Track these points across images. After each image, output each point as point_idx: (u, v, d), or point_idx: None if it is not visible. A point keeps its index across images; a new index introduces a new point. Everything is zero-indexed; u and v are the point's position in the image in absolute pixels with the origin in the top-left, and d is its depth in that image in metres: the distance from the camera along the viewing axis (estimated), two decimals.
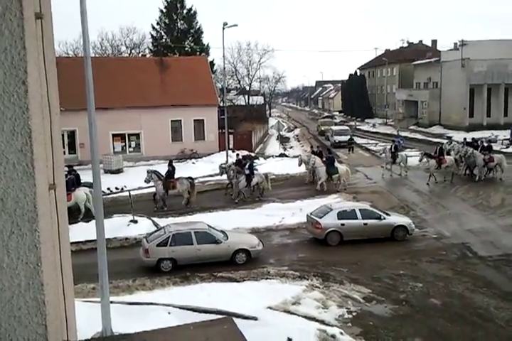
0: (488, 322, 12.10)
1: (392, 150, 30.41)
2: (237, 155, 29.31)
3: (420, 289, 13.95)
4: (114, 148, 36.61)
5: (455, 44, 61.05)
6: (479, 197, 24.89)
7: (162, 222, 20.04)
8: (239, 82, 68.85)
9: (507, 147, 40.14)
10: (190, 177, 24.34)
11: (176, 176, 24.32)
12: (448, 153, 28.98)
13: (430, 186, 27.43)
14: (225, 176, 26.17)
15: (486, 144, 29.59)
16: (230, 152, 35.66)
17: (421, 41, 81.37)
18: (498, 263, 15.93)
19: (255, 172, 25.84)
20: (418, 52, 71.34)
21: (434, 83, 61.92)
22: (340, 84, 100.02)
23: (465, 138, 33.22)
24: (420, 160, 28.61)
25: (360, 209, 18.72)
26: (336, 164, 27.24)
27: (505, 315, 12.37)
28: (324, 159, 27.53)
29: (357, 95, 79.83)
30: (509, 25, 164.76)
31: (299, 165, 29.22)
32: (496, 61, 50.64)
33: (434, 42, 78.52)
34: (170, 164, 24.94)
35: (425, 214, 22.20)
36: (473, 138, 31.33)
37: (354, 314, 12.53)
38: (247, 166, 25.34)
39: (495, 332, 11.64)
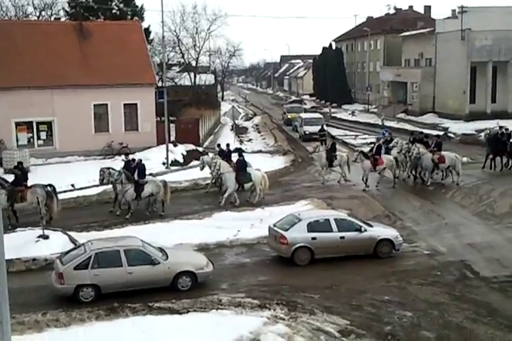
0: None
1: (328, 147, 30.75)
2: (126, 155, 27.25)
3: (410, 319, 14.19)
4: (17, 141, 35.85)
5: (453, 11, 62.72)
6: (482, 202, 25.64)
7: (82, 237, 19.77)
8: (182, 56, 68.65)
9: None
10: (49, 185, 23.13)
11: (29, 183, 23.06)
12: (388, 152, 29.58)
13: (380, 190, 28.20)
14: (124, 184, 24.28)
15: (436, 140, 30.07)
16: (171, 146, 35.47)
17: (411, 7, 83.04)
18: (505, 286, 16.36)
19: (150, 178, 24.96)
20: (408, 21, 72.82)
21: (427, 60, 63.29)
22: (311, 60, 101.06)
23: (412, 133, 33.97)
24: (355, 160, 29.22)
25: (335, 219, 18.89)
26: (249, 169, 26.59)
27: None
28: (234, 163, 27.01)
29: (332, 74, 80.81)
30: None
31: (201, 169, 28.85)
32: (504, 33, 51.75)
33: (428, 8, 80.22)
34: (18, 167, 23.86)
35: (416, 224, 22.66)
36: (421, 132, 31.87)
37: None
38: (136, 171, 24.28)
39: None
